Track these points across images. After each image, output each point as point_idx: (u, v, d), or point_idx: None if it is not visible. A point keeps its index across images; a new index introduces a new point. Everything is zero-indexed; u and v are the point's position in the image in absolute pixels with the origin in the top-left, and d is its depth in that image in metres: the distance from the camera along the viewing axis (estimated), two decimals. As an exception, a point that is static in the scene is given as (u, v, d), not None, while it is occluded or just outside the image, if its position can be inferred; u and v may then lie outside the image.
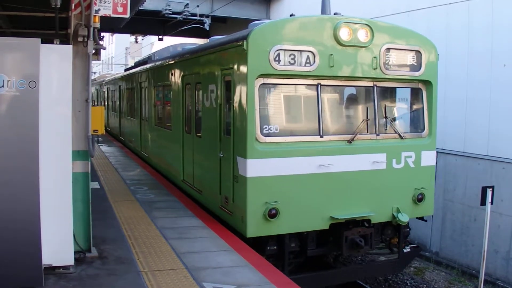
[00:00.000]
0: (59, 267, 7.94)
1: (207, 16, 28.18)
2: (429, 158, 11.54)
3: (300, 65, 10.12)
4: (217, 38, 13.28)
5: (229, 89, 10.80)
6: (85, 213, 8.75)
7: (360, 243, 10.64)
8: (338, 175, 10.49)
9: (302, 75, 10.26)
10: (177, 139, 14.81)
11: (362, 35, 10.53)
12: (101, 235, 9.90)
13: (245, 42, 9.74)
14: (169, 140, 16.04)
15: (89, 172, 8.80)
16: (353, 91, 11.38)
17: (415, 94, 11.74)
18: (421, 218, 11.90)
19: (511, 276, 14.28)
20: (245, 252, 9.29)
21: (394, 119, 11.60)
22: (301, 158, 10.18)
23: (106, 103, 35.61)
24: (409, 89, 11.74)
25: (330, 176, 10.42)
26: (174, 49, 19.82)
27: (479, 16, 15.42)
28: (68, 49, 7.87)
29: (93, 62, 9.06)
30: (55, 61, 7.66)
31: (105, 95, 36.13)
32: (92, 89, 41.59)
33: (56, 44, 14.90)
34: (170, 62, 16.16)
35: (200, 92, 12.73)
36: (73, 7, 8.52)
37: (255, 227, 9.91)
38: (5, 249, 7.07)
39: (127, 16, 8.89)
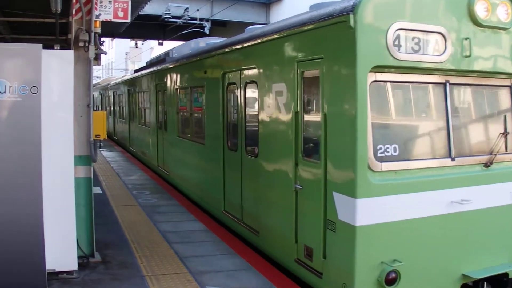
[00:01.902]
0: (62, 272, 7.93)
1: (207, 20, 28.23)
2: None
3: (426, 54, 6.96)
4: (257, 27, 11.25)
5: (313, 89, 7.75)
6: (88, 218, 8.75)
7: None
8: (473, 214, 7.36)
9: (427, 69, 7.09)
10: (215, 157, 11.65)
11: (502, 13, 7.49)
12: (104, 239, 9.89)
13: (351, 17, 6.48)
14: (201, 157, 13.03)
15: (92, 177, 8.81)
16: (480, 93, 8.02)
17: None
18: None
19: None
20: (248, 255, 9.27)
21: None
22: (427, 193, 7.02)
23: (112, 109, 32.82)
24: None
25: (463, 216, 7.28)
26: (197, 44, 16.91)
27: None
28: (69, 54, 7.88)
29: (94, 67, 9.05)
30: (56, 66, 7.67)
31: (111, 100, 33.32)
32: (96, 94, 40.70)
33: (57, 49, 14.93)
34: (201, 58, 12.77)
35: (255, 94, 9.50)
36: (74, 12, 8.54)
37: None
38: (9, 255, 7.06)
39: (128, 20, 8.90)
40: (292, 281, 8.07)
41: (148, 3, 14.55)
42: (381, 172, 6.74)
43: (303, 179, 7.88)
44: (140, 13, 16.89)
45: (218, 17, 28.56)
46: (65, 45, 16.01)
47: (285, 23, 8.46)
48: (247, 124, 10.17)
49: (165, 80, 16.74)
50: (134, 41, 44.57)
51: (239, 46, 10.23)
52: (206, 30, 28.24)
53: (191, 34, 30.41)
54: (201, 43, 16.68)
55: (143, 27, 31.97)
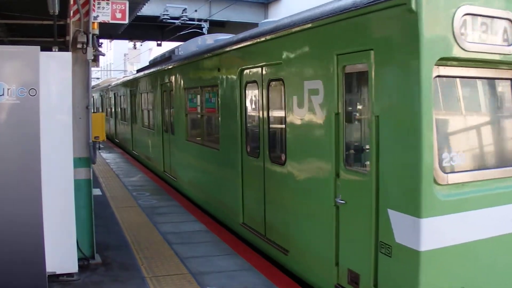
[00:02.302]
0: (63, 275, 7.91)
1: (205, 21, 28.24)
2: None
3: (494, 44, 5.92)
4: (271, 20, 10.39)
5: (358, 86, 6.82)
6: (88, 220, 8.74)
7: None
8: None
9: (493, 62, 6.04)
10: (231, 163, 10.56)
11: None
12: (104, 241, 9.88)
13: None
14: (215, 163, 11.87)
15: (91, 178, 8.80)
16: None
17: None
18: None
19: None
20: (249, 255, 9.26)
21: None
22: (495, 208, 5.98)
23: (113, 110, 31.41)
24: None
25: None
26: (204, 41, 16.16)
27: None
28: (67, 56, 7.86)
29: (92, 68, 9.05)
30: (54, 68, 7.65)
31: (112, 101, 31.93)
32: (96, 95, 39.96)
33: (55, 51, 14.92)
34: (213, 55, 11.60)
35: (281, 93, 8.37)
36: (71, 14, 8.53)
37: None
38: (9, 258, 7.06)
39: (126, 22, 8.89)
40: (293, 280, 8.06)
41: (146, 4, 14.56)
42: (447, 185, 5.71)
43: (346, 192, 6.73)
44: (138, 14, 16.90)
45: (216, 17, 28.56)
46: (64, 47, 16.03)
47: (320, 11, 7.26)
48: (271, 127, 9.02)
49: (171, 80, 15.68)
50: (133, 43, 44.60)
51: (261, 39, 8.99)
52: (205, 31, 28.23)
53: (189, 34, 30.41)
54: (209, 40, 15.79)
55: (141, 28, 31.96)
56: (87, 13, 8.46)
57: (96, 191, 14.65)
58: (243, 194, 10.16)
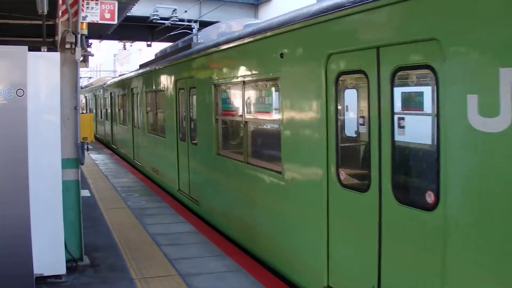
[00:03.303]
0: (51, 277, 7.86)
1: (195, 21, 28.12)
2: None
3: None
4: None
5: None
6: (76, 221, 8.70)
7: None
8: None
9: None
10: (308, 195, 7.27)
11: None
12: (93, 243, 9.83)
13: None
14: (274, 192, 8.46)
15: (79, 179, 8.76)
16: None
17: None
18: None
19: None
20: (238, 256, 9.24)
21: None
22: None
23: (110, 112, 28.21)
24: None
25: None
26: (229, 28, 13.22)
27: None
28: (55, 56, 7.82)
29: (82, 69, 9.02)
30: (42, 68, 7.62)
31: (108, 101, 28.80)
32: (89, 95, 38.28)
33: (44, 51, 14.84)
34: (273, 35, 8.20)
35: (433, 90, 5.11)
36: (60, 14, 8.49)
37: None
38: (-4, 259, 7.02)
39: (115, 22, 8.88)
40: (282, 281, 8.04)
41: (136, 4, 14.51)
42: None
43: None
44: (128, 14, 16.85)
45: (206, 18, 28.50)
46: (53, 47, 15.93)
47: None
48: (398, 144, 5.76)
49: (193, 74, 12.47)
50: (122, 43, 44.48)
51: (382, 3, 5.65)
52: (194, 31, 28.17)
53: (179, 35, 30.37)
54: (235, 26, 12.98)
55: (131, 28, 31.88)
56: (76, 13, 8.43)
57: (85, 192, 14.60)
58: (328, 245, 6.85)
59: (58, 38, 8.74)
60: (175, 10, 27.48)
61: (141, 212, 12.69)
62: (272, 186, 8.54)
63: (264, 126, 10.05)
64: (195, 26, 27.75)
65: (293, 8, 8.33)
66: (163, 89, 15.64)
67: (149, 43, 36.83)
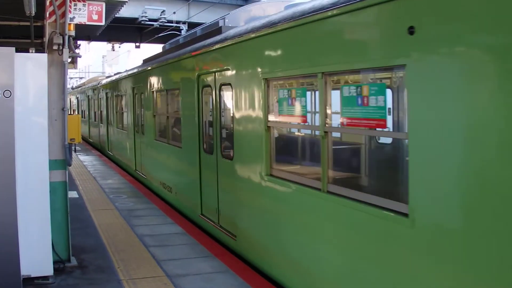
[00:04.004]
0: (38, 278, 7.84)
1: (183, 23, 28.18)
2: None
3: None
4: None
5: None
6: (64, 222, 8.69)
7: None
8: None
9: None
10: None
11: None
12: (81, 244, 9.82)
13: None
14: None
15: (67, 181, 8.75)
16: None
17: None
18: None
19: None
20: (226, 257, 9.26)
21: None
22: None
23: (105, 114, 25.58)
24: None
25: None
26: (261, 10, 10.85)
27: None
28: (43, 57, 7.82)
29: (70, 70, 9.02)
30: (30, 70, 7.61)
31: (103, 103, 26.27)
32: (82, 96, 35.97)
33: (32, 52, 14.83)
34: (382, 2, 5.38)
35: None
36: (47, 15, 8.48)
37: None
38: (-17, 261, 7.00)
39: (103, 23, 8.88)
40: (270, 282, 8.07)
41: (124, 5, 14.50)
42: None
43: None
44: (116, 15, 16.82)
45: (195, 19, 28.49)
46: (41, 49, 15.92)
47: None
48: None
49: (227, 66, 9.54)
50: (111, 44, 44.39)
51: None
52: (183, 33, 28.18)
53: (168, 36, 30.35)
54: (270, 8, 10.57)
55: (119, 30, 31.78)
56: (63, 15, 8.42)
57: (73, 194, 14.58)
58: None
59: (46, 39, 8.73)
60: (163, 11, 27.48)
61: (129, 213, 12.68)
62: (388, 234, 5.49)
63: (360, 140, 7.58)
64: (184, 27, 27.80)
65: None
66: (178, 87, 12.94)
67: (137, 44, 36.80)
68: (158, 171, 15.30)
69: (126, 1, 12.60)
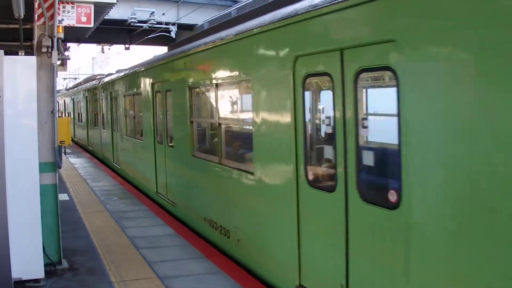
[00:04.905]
0: (29, 281, 7.83)
1: (173, 24, 28.18)
2: None
3: None
4: None
5: None
6: (54, 225, 8.68)
7: None
8: None
9: None
10: None
11: None
12: (72, 246, 9.80)
13: None
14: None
15: (57, 183, 8.74)
16: None
17: None
18: None
19: None
20: (217, 259, 9.26)
21: None
22: None
23: (109, 118, 21.70)
24: None
25: None
26: None
27: None
28: (32, 60, 7.81)
29: (61, 72, 9.03)
30: (19, 72, 7.61)
31: (106, 104, 22.51)
32: (79, 97, 32.43)
33: (21, 55, 14.78)
34: None
35: None
36: (36, 17, 8.47)
37: None
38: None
39: (91, 25, 8.88)
40: (261, 283, 8.08)
41: (114, 7, 14.47)
42: None
43: None
44: (105, 17, 16.79)
45: (184, 20, 28.52)
46: (30, 51, 15.85)
47: None
48: None
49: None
50: (101, 46, 44.31)
51: None
52: (173, 34, 28.20)
53: (157, 38, 30.32)
54: None
55: (109, 31, 31.79)
56: (52, 17, 8.41)
57: (64, 196, 14.54)
58: None
59: (35, 42, 8.72)
60: (153, 13, 27.47)
61: (120, 215, 12.66)
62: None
63: None
64: (173, 28, 27.79)
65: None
66: (245, 78, 8.53)
67: (127, 46, 36.80)
68: (201, 201, 10.85)
69: (115, 3, 12.57)
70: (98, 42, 39.93)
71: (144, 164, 15.56)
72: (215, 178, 10.01)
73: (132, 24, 27.75)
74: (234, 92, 10.00)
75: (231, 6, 30.86)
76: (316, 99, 6.96)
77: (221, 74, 9.61)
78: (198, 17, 28.62)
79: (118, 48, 46.33)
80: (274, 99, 7.48)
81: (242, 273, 8.53)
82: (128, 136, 18.14)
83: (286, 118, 7.05)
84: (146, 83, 15.07)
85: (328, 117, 6.41)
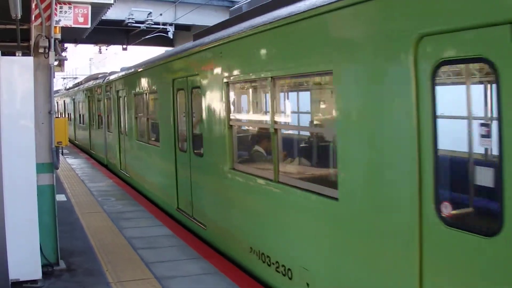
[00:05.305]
0: (26, 282, 7.81)
1: (170, 25, 28.19)
2: None
3: None
4: None
5: None
6: (52, 225, 8.67)
7: None
8: None
9: None
10: None
11: None
12: (69, 247, 9.79)
13: None
14: None
15: (54, 184, 8.73)
16: None
17: None
18: None
19: None
20: (215, 259, 9.26)
21: None
22: None
23: (116, 120, 19.46)
24: None
25: None
26: None
27: None
28: (29, 60, 7.81)
29: (58, 73, 9.02)
30: (16, 73, 7.60)
31: (112, 104, 20.30)
32: (79, 97, 30.73)
33: (19, 56, 14.77)
34: None
35: None
36: (33, 18, 8.46)
37: None
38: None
39: (88, 26, 8.87)
40: (259, 283, 8.08)
41: (111, 8, 14.45)
42: None
43: None
44: (103, 18, 16.78)
45: (181, 21, 28.53)
46: (28, 52, 15.84)
47: None
48: None
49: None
50: (98, 47, 44.28)
51: None
52: (170, 35, 28.22)
53: (155, 38, 30.33)
54: None
55: (106, 32, 31.78)
56: (49, 17, 8.41)
57: (61, 197, 14.52)
58: None
59: (32, 42, 8.71)
60: (150, 13, 27.46)
61: (117, 216, 12.65)
62: None
63: None
64: (171, 29, 27.79)
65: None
66: (323, 68, 6.32)
67: (124, 46, 36.78)
68: (246, 227, 8.67)
69: (112, 4, 12.56)
70: (95, 42, 39.90)
71: (160, 174, 13.77)
72: (269, 200, 7.76)
73: (129, 24, 27.75)
74: (302, 88, 8.25)
75: (229, 6, 30.88)
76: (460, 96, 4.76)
77: (283, 64, 7.17)
78: (195, 18, 28.66)
79: (116, 48, 46.34)
80: (376, 98, 5.31)
81: (239, 273, 8.53)
82: (139, 140, 16.19)
83: (403, 122, 4.83)
84: (163, 80, 13.08)
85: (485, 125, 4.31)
